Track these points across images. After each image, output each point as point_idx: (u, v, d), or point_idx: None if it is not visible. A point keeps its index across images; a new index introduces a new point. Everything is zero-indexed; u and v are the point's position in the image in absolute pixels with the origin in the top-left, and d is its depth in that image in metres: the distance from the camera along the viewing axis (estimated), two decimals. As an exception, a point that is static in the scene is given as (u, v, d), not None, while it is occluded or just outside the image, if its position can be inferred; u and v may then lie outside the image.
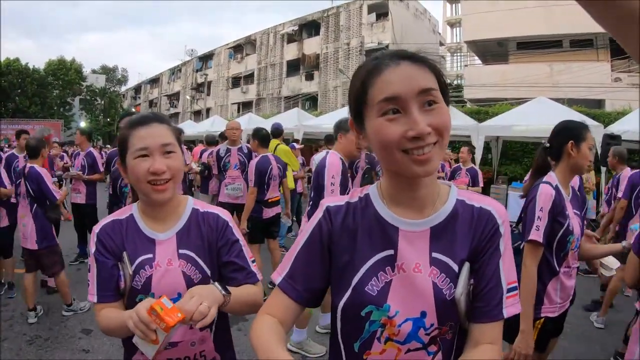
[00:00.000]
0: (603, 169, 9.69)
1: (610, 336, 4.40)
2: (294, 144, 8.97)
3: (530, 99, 11.53)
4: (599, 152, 8.32)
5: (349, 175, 3.72)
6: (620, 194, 5.32)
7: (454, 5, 40.89)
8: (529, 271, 2.22)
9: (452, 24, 42.36)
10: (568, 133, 2.38)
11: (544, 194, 2.25)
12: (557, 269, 2.31)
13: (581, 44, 19.53)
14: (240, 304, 1.34)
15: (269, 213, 5.15)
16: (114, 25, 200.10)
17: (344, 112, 9.18)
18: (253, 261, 1.47)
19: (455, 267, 0.97)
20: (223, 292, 1.26)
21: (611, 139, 8.41)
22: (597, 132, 8.65)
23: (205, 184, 7.55)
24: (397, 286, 0.97)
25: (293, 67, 33.98)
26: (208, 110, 40.16)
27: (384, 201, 1.02)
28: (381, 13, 28.12)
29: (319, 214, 1.06)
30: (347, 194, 1.11)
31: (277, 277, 1.08)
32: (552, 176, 2.35)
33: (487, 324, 0.97)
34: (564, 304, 2.38)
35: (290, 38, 34.43)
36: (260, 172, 4.98)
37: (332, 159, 3.43)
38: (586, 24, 17.98)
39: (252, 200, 5.00)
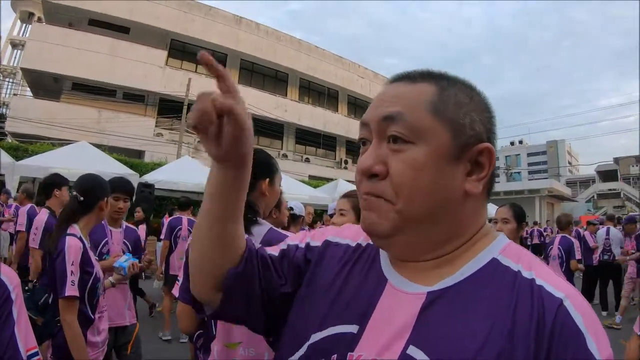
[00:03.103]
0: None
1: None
2: None
3: (75, 142, 11.92)
4: (134, 199, 9.37)
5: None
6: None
7: (25, 25, 38.41)
8: (72, 326, 2.28)
9: (16, 45, 39.57)
10: (104, 191, 2.62)
11: (73, 247, 2.35)
12: (92, 317, 2.47)
13: (134, 97, 21.52)
14: None
15: None
16: None
17: None
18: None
19: None
20: None
21: (145, 187, 10.07)
22: (133, 180, 9.51)
23: None
24: None
25: None
26: None
27: None
28: None
29: None
30: None
31: None
32: (75, 228, 2.47)
33: None
34: (104, 347, 2.61)
35: None
36: None
37: None
38: (140, 81, 20.66)
39: None
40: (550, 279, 0.71)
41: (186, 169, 11.47)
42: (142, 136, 19.21)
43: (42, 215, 4.33)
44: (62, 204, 4.16)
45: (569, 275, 6.29)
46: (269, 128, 24.82)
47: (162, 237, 6.70)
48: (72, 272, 2.30)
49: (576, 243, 6.46)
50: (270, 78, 26.69)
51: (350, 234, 0.93)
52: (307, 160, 26.88)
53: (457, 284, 0.73)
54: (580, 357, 0.63)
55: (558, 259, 6.32)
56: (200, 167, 11.87)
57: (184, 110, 19.10)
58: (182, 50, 23.64)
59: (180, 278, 1.94)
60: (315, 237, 0.95)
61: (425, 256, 0.78)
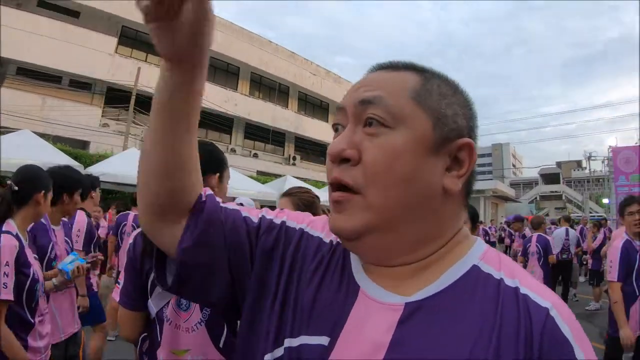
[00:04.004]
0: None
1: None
2: None
3: (17, 130, 11.60)
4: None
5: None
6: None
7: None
8: (4, 332, 2.12)
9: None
10: (42, 184, 2.47)
11: (8, 247, 2.19)
12: (32, 321, 2.33)
13: (80, 85, 20.48)
14: None
15: None
16: None
17: None
18: None
19: None
20: None
21: (94, 179, 10.11)
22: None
23: None
24: None
25: None
26: None
27: None
28: None
29: None
30: None
31: None
32: (10, 224, 2.32)
33: None
34: (48, 352, 2.47)
35: None
36: None
37: None
38: (88, 68, 19.66)
39: None
40: (534, 287, 0.70)
41: (133, 162, 9.74)
42: (87, 126, 18.68)
43: (82, 217, 4.32)
44: (96, 205, 4.21)
45: (547, 268, 7.59)
46: (218, 122, 24.71)
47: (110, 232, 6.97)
48: (5, 273, 2.13)
49: (551, 240, 7.91)
50: (222, 71, 26.47)
51: (321, 226, 0.88)
52: (256, 155, 26.92)
53: (437, 294, 0.70)
54: None
55: (536, 254, 7.71)
56: (148, 161, 11.81)
57: (132, 101, 18.80)
58: (133, 38, 22.94)
59: (122, 280, 1.84)
60: (291, 218, 0.89)
61: (400, 260, 0.74)
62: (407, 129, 0.71)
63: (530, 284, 0.71)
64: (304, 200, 2.36)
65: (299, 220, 0.89)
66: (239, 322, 1.78)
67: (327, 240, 0.85)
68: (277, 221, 0.88)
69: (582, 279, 12.53)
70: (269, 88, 29.15)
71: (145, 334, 1.83)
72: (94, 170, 10.24)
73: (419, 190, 0.71)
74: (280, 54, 28.53)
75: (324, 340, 0.72)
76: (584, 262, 12.15)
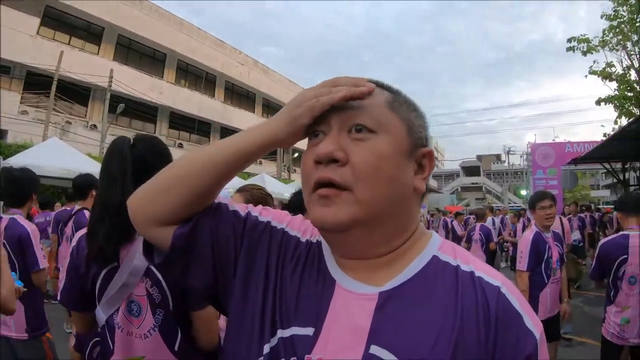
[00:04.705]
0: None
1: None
2: None
3: None
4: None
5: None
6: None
7: None
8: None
9: None
10: None
11: None
12: None
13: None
14: None
15: None
16: None
17: None
18: None
19: None
20: None
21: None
22: (-6, 164, 8.75)
23: None
24: None
25: None
26: None
27: None
28: None
29: None
30: None
31: None
32: None
33: None
34: None
35: None
36: None
37: None
38: (7, 49, 17.73)
39: None
40: (485, 270, 0.82)
41: (55, 153, 10.48)
42: (4, 113, 17.24)
43: None
44: None
45: (488, 254, 8.72)
46: (142, 110, 24.27)
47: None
48: None
49: (493, 229, 9.32)
50: (147, 57, 25.75)
51: (297, 226, 0.96)
52: (181, 145, 26.30)
53: (405, 283, 0.80)
54: (522, 334, 0.75)
55: (479, 242, 8.96)
56: (69, 151, 11.26)
57: (53, 86, 18.05)
58: (56, 19, 21.65)
59: (63, 278, 1.83)
60: (275, 218, 0.96)
61: (376, 251, 0.83)
62: (388, 134, 0.80)
63: (482, 267, 0.83)
64: (255, 197, 2.39)
65: (280, 220, 0.96)
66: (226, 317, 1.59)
67: (303, 239, 0.93)
68: (263, 219, 0.94)
69: (503, 264, 13.53)
70: (196, 76, 28.81)
71: (97, 339, 1.82)
72: (14, 161, 9.50)
73: (398, 188, 0.80)
74: (208, 42, 28.17)
75: (309, 331, 0.79)
76: (505, 249, 13.60)
